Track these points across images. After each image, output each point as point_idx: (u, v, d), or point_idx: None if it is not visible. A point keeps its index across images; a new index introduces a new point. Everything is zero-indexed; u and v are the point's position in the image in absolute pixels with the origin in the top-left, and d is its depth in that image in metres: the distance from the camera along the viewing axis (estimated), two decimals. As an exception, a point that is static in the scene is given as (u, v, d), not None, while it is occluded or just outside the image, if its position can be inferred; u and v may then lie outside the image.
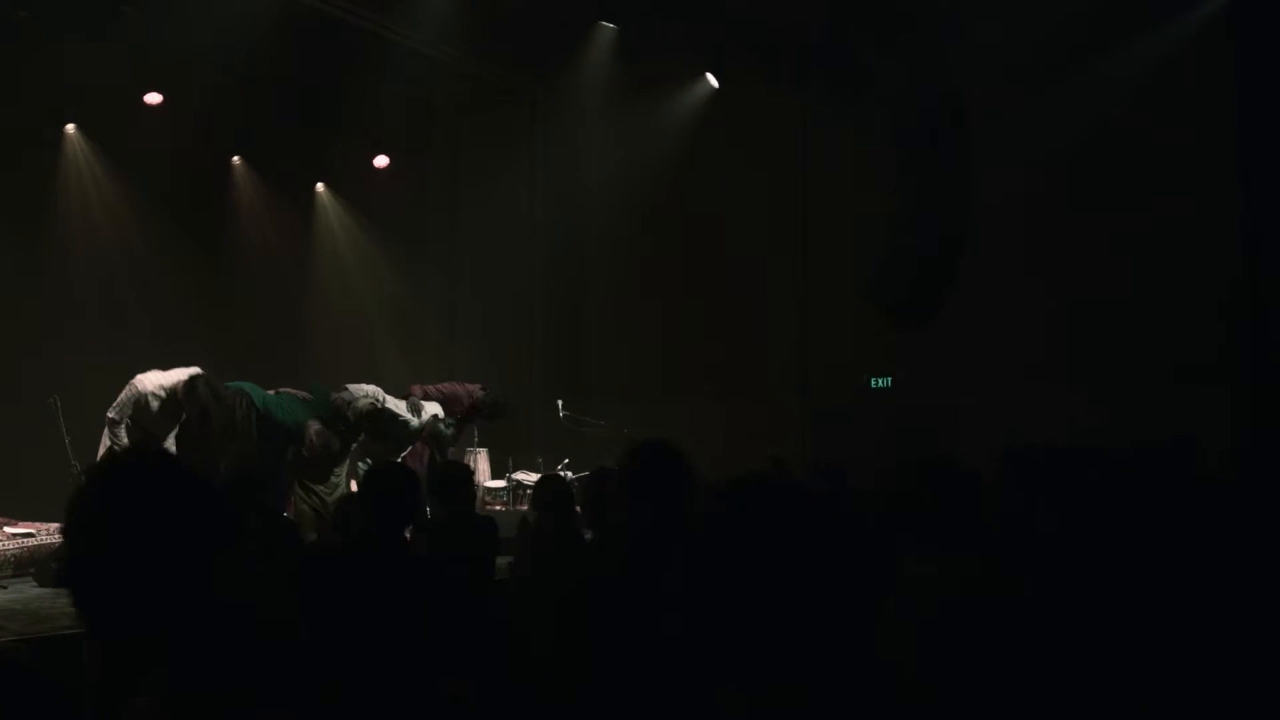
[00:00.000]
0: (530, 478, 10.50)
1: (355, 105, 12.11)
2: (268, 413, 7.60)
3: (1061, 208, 10.07)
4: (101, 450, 7.19)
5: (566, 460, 10.20)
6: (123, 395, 7.30)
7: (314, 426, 7.66)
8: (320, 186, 13.29)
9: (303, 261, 12.95)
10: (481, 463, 10.80)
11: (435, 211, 13.85)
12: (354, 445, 8.15)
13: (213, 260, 11.52)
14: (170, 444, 7.41)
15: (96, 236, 10.49)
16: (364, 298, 13.14)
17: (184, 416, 7.43)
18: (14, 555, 7.06)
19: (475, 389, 9.42)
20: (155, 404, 7.33)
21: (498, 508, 10.09)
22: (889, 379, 11.56)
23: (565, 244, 13.24)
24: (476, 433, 10.82)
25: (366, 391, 8.16)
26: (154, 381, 7.36)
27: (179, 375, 7.41)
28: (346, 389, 8.08)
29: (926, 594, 2.57)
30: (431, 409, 8.72)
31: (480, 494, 10.22)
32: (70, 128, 10.51)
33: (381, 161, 13.37)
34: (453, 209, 13.84)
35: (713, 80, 12.01)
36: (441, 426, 8.60)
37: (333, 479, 7.99)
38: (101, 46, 9.68)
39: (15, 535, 7.25)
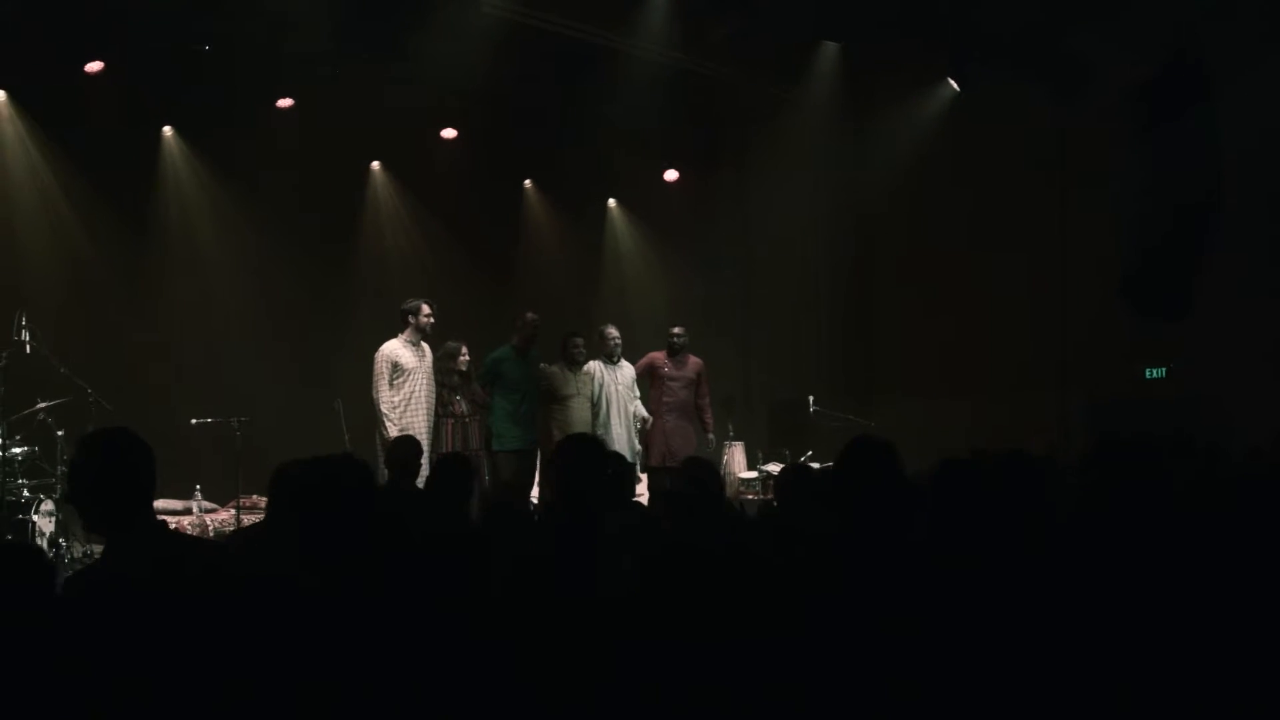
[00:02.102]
0: (778, 469, 10.95)
1: (642, 123, 12.90)
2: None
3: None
4: None
5: (810, 452, 10.59)
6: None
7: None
8: (611, 202, 14.20)
9: (594, 275, 13.91)
10: (737, 454, 11.38)
11: (722, 221, 14.36)
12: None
13: (504, 281, 12.64)
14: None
15: (391, 261, 11.88)
16: (654, 307, 13.79)
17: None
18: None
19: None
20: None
21: (749, 496, 10.62)
22: (1163, 370, 11.13)
23: (835, 250, 13.55)
24: (732, 427, 11.41)
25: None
26: None
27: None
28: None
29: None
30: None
31: (735, 484, 10.82)
32: (375, 165, 11.97)
33: (671, 175, 14.14)
34: (738, 218, 14.27)
35: (954, 84, 12.17)
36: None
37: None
38: (400, 97, 10.98)
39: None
